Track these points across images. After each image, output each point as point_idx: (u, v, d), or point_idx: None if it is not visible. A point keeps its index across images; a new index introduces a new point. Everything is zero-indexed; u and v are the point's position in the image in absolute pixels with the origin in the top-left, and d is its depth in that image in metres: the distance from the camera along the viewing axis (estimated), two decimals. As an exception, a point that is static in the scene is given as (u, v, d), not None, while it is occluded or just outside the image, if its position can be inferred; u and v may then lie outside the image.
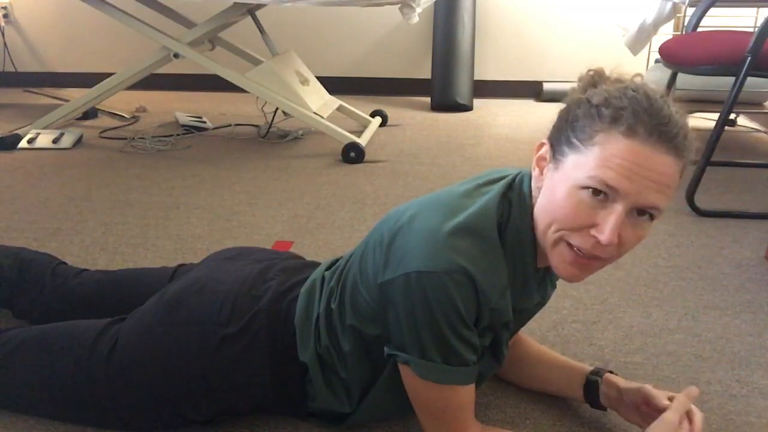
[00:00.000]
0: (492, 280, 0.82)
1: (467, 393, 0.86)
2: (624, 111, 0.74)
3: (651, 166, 0.73)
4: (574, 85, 0.84)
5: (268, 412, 1.03)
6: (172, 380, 0.95)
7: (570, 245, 0.79)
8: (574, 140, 0.77)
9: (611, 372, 1.02)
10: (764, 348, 1.26)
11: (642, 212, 0.76)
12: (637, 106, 0.74)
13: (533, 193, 0.86)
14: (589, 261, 0.79)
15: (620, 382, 0.99)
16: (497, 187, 0.87)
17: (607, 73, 0.83)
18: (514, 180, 0.89)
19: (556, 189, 0.79)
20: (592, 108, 0.76)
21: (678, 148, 0.74)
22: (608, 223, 0.75)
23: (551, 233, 0.80)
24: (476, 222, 0.82)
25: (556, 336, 1.29)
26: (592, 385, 1.01)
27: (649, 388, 0.93)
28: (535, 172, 0.85)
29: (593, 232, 0.76)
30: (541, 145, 0.84)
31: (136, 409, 0.97)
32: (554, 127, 0.83)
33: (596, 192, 0.75)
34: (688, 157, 0.76)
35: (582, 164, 0.76)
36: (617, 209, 0.74)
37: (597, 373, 1.02)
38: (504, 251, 0.84)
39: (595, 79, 0.82)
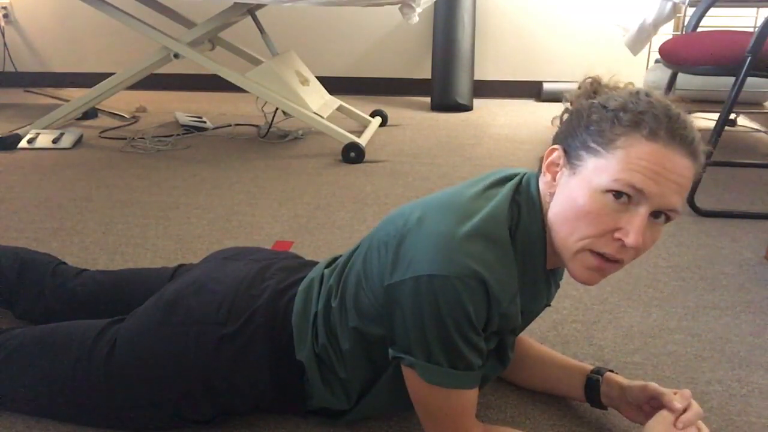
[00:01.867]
0: (504, 285, 0.81)
1: (471, 397, 0.86)
2: (644, 115, 0.75)
3: (673, 169, 0.74)
4: (573, 91, 0.85)
5: (267, 411, 1.03)
6: (171, 380, 0.95)
7: (595, 253, 0.79)
8: (593, 144, 0.78)
9: (611, 371, 1.02)
10: (764, 348, 1.26)
11: (658, 214, 0.78)
12: (657, 111, 0.75)
13: (544, 198, 0.86)
14: (611, 265, 0.80)
15: (622, 380, 0.99)
16: (505, 190, 0.87)
17: (605, 80, 0.84)
18: (520, 182, 0.89)
19: (576, 195, 0.79)
20: (609, 112, 0.77)
21: (695, 152, 0.76)
22: (633, 226, 0.76)
23: (573, 242, 0.80)
24: (489, 227, 0.82)
25: (556, 336, 1.29)
26: (593, 384, 1.01)
27: (654, 385, 0.93)
28: (546, 178, 0.85)
29: (617, 234, 0.77)
30: (552, 150, 0.84)
31: (135, 409, 0.97)
32: (563, 132, 0.84)
33: (619, 195, 0.75)
34: (701, 161, 0.78)
35: (604, 168, 0.76)
36: (641, 211, 0.76)
37: (598, 372, 1.02)
38: (515, 254, 0.84)
39: (594, 86, 0.84)
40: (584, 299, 1.43)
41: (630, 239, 0.76)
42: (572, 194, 0.79)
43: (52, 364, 0.98)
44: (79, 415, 1.01)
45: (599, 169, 0.77)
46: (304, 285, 0.99)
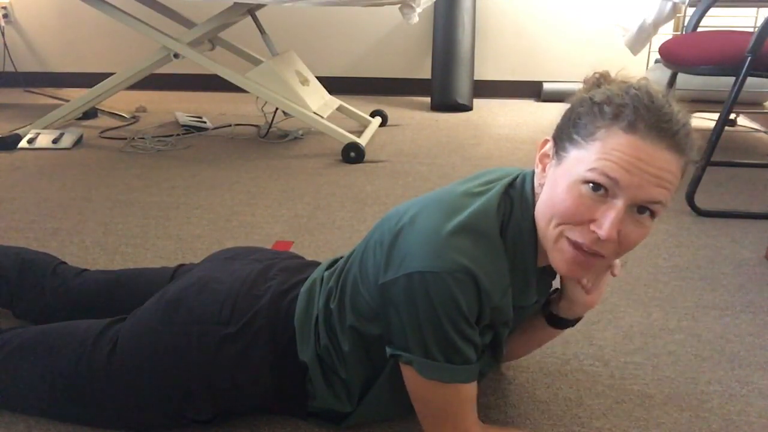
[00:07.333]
0: (494, 279, 0.82)
1: (469, 391, 0.86)
2: (625, 108, 0.74)
3: (651, 162, 0.73)
4: (579, 86, 0.85)
5: (268, 411, 1.03)
6: (173, 380, 0.95)
7: (570, 241, 0.79)
8: (576, 136, 0.78)
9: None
10: (764, 348, 1.26)
11: (643, 209, 0.76)
12: (638, 104, 0.74)
13: (536, 190, 0.86)
14: (590, 258, 0.79)
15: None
16: (498, 186, 0.87)
17: (613, 75, 0.83)
18: (515, 179, 0.89)
19: (558, 183, 0.79)
20: (595, 106, 0.77)
21: (679, 145, 0.74)
22: (607, 218, 0.75)
23: (552, 228, 0.80)
24: (477, 221, 0.82)
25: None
26: (545, 310, 1.02)
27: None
28: (537, 169, 0.85)
29: (593, 227, 0.76)
30: (545, 142, 0.85)
31: (136, 409, 0.97)
32: (558, 125, 0.84)
33: (597, 187, 0.75)
34: (690, 155, 0.76)
35: (583, 158, 0.76)
36: (617, 205, 0.75)
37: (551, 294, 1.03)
38: (505, 249, 0.84)
39: (600, 81, 0.83)
40: (584, 299, 1.43)
41: (603, 232, 0.74)
42: (555, 183, 0.80)
43: (53, 364, 0.98)
44: (80, 415, 1.01)
45: (579, 160, 0.76)
46: (306, 286, 0.99)
